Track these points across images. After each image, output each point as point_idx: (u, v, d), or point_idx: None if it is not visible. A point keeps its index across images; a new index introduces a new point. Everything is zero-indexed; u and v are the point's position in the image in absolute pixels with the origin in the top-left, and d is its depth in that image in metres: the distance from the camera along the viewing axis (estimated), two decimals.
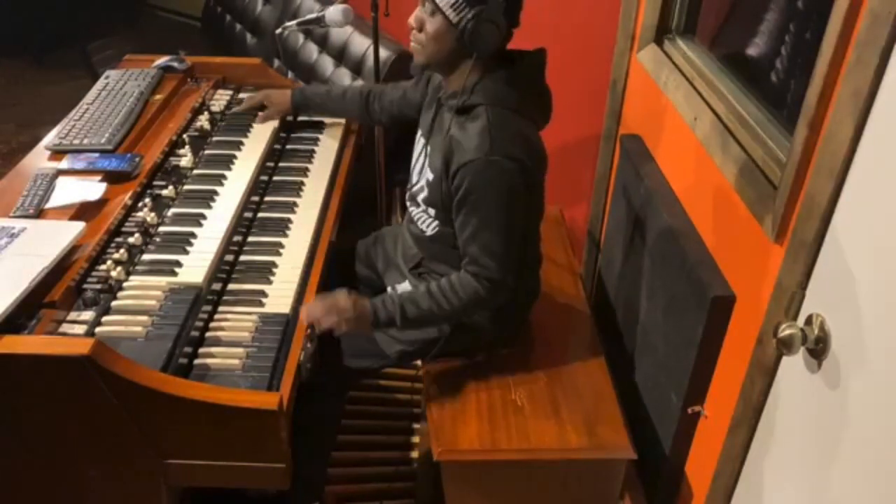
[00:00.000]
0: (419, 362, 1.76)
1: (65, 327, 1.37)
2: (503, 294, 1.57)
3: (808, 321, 1.14)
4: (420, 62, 1.58)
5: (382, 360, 1.77)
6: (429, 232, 1.67)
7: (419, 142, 1.71)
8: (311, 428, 1.79)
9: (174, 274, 1.53)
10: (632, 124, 2.08)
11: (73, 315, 1.40)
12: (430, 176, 1.61)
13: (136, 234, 1.59)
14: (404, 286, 1.75)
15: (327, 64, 2.75)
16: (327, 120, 2.23)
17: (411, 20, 1.53)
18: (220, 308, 1.54)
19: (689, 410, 1.59)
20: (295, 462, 1.34)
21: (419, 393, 1.96)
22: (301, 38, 2.89)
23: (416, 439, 2.14)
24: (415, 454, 2.10)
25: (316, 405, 1.75)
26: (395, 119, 1.94)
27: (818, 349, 1.12)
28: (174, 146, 1.94)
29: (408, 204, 1.74)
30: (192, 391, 1.25)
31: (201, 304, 1.49)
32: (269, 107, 2.08)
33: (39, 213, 1.61)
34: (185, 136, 1.98)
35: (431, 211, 1.64)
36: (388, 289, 1.80)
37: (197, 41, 3.66)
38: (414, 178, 1.70)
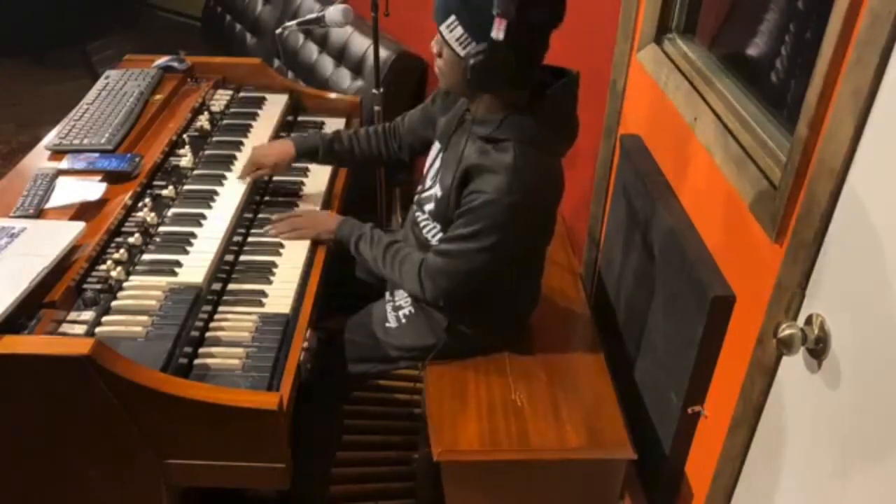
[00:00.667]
0: (419, 364, 1.76)
1: (65, 327, 1.37)
2: (429, 303, 1.65)
3: (808, 321, 1.14)
4: (443, 87, 1.61)
5: (384, 365, 1.78)
6: (434, 242, 1.66)
7: (435, 145, 1.70)
8: (312, 428, 1.79)
9: (174, 274, 1.53)
10: (632, 124, 2.08)
11: (73, 315, 1.40)
12: (438, 192, 1.59)
13: (136, 234, 1.59)
14: (401, 292, 1.76)
15: (327, 64, 2.76)
16: (327, 119, 2.23)
17: (432, 45, 1.48)
18: (220, 308, 1.54)
19: (689, 410, 1.59)
20: (295, 462, 1.34)
21: (419, 393, 1.96)
22: (301, 38, 2.90)
23: (416, 439, 2.14)
24: (415, 454, 2.10)
25: (317, 405, 1.75)
26: (421, 141, 1.83)
27: (818, 349, 1.12)
28: (174, 146, 1.94)
29: (414, 207, 1.73)
30: (192, 391, 1.25)
31: (201, 304, 1.49)
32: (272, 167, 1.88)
33: (39, 213, 1.61)
34: (185, 136, 1.98)
35: (438, 225, 1.63)
36: (387, 294, 1.80)
37: (197, 41, 3.67)
38: (427, 183, 1.67)
